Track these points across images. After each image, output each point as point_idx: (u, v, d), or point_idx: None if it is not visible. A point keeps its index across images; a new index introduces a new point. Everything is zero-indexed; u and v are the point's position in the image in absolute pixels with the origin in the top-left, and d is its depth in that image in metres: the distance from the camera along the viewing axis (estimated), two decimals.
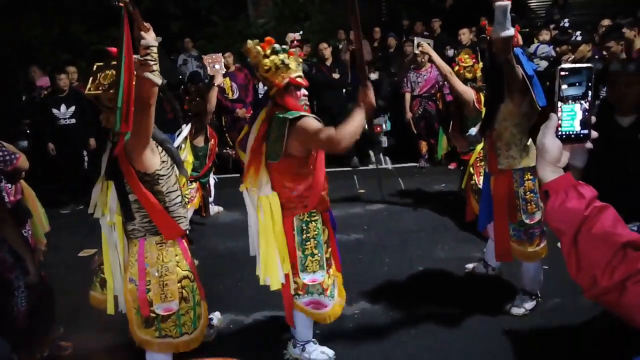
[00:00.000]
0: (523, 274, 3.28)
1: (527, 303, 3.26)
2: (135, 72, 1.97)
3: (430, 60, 4.20)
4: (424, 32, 8.42)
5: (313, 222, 2.64)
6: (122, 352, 2.89)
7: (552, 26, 7.22)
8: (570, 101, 1.13)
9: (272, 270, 2.58)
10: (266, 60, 2.51)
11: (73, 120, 6.15)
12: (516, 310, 3.24)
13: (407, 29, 8.97)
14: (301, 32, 7.48)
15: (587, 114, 1.12)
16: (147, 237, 2.35)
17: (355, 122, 2.40)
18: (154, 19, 2.06)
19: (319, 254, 2.64)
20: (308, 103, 2.68)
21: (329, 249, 2.74)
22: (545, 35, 6.73)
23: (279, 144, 2.47)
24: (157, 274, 2.33)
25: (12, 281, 2.63)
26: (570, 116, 1.13)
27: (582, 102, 1.12)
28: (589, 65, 1.13)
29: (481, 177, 4.21)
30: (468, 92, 4.03)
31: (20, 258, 2.62)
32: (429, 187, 6.22)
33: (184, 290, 2.38)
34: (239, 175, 7.32)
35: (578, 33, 5.26)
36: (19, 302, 2.65)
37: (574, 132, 1.13)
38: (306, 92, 2.64)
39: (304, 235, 2.62)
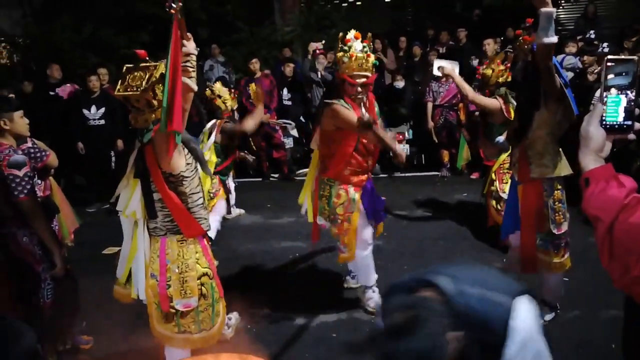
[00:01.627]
0: (544, 284, 3.24)
1: (546, 314, 3.22)
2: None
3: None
4: (449, 41, 8.39)
5: (329, 186, 3.31)
6: (142, 347, 2.96)
7: (578, 37, 7.12)
8: (615, 91, 1.14)
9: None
10: (339, 54, 3.10)
11: (102, 122, 6.29)
12: None
13: (433, 38, 8.96)
14: (323, 42, 7.54)
15: (632, 104, 1.14)
16: (168, 236, 2.42)
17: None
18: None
19: (328, 209, 3.32)
20: (364, 100, 3.22)
21: (347, 213, 3.26)
22: (572, 47, 6.63)
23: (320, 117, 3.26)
24: (177, 270, 2.38)
25: (39, 273, 2.73)
26: (615, 106, 1.14)
27: (628, 92, 1.13)
28: (634, 57, 1.14)
29: (503, 184, 4.19)
30: (493, 103, 4.02)
31: (48, 251, 2.72)
32: (450, 196, 6.18)
33: (203, 287, 2.43)
34: (260, 179, 7.46)
35: (605, 44, 5.19)
36: (45, 294, 2.75)
37: (618, 123, 1.14)
38: (360, 90, 3.12)
39: (321, 192, 3.37)
